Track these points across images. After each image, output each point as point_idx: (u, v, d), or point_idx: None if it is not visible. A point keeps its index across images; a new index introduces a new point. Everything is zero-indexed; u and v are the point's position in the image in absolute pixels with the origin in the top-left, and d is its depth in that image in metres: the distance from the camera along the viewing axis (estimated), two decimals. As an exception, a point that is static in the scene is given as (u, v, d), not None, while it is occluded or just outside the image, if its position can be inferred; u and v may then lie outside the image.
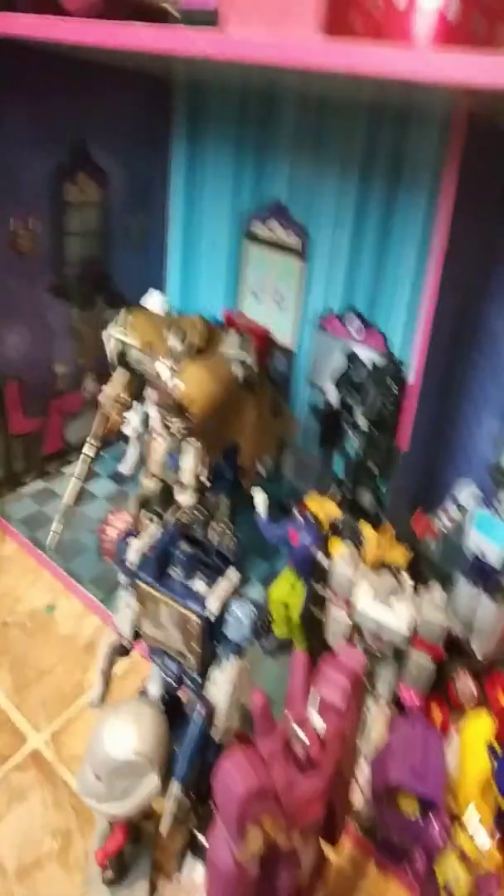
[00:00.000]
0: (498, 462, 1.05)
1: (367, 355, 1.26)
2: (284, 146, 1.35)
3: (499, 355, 1.24)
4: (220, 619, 0.80)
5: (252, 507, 1.09)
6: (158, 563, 0.81)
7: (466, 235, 1.02)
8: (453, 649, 1.05)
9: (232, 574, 0.82)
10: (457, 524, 1.08)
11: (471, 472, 1.26)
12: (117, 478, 1.53)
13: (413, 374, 1.08)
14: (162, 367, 1.05)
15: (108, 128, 1.41)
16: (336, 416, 1.30)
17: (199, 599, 0.79)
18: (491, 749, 0.80)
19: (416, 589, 0.96)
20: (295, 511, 1.07)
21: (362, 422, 1.19)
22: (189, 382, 1.05)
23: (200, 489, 1.14)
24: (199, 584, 0.81)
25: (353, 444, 1.27)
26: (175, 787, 0.80)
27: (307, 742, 0.58)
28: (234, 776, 0.54)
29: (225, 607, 0.79)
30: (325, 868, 0.71)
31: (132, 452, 1.21)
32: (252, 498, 1.09)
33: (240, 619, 0.79)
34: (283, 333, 1.49)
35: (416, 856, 0.74)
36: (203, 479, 1.11)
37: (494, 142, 1.01)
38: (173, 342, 1.08)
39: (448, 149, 0.93)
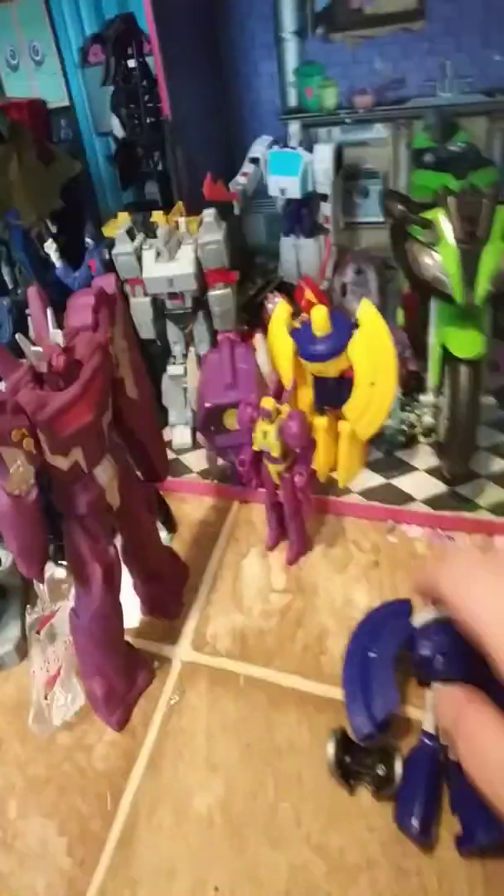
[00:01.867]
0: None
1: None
2: None
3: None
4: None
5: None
6: None
7: None
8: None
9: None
10: (251, 177, 1.07)
11: (265, 128, 1.21)
12: None
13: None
14: None
15: None
16: (129, 147, 1.24)
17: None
18: (292, 330, 0.86)
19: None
20: (87, 242, 1.04)
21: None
22: None
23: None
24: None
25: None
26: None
27: (40, 350, 0.58)
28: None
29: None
30: (151, 499, 0.76)
31: None
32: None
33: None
34: (56, 93, 1.38)
35: (244, 456, 0.79)
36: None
37: None
38: None
39: None
